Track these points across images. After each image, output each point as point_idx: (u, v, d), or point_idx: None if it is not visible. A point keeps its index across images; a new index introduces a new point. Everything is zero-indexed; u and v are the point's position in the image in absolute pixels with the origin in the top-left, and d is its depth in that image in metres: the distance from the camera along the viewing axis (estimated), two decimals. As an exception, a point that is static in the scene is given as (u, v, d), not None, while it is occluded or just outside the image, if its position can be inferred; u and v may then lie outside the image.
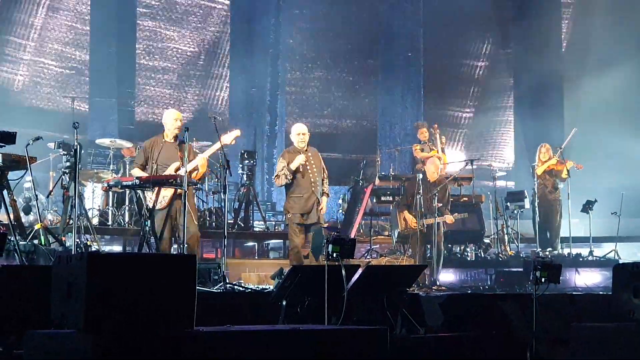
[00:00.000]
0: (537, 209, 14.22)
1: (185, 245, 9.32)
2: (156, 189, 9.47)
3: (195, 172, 9.81)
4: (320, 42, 20.79)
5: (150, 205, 9.58)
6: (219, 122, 10.24)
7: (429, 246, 12.41)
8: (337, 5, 20.70)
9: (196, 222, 9.85)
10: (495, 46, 20.97)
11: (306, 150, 10.77)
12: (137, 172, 9.77)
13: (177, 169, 9.66)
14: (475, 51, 20.99)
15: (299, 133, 10.83)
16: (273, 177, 10.86)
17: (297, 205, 10.60)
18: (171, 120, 9.90)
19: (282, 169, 10.61)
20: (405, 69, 20.58)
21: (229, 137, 9.96)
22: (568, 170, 14.08)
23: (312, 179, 10.66)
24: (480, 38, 21.14)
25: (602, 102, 19.02)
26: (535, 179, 14.23)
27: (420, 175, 12.48)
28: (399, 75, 20.55)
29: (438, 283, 11.64)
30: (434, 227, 11.97)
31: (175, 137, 9.90)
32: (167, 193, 9.58)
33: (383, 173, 15.69)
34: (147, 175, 9.59)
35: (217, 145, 9.91)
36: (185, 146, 9.47)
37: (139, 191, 9.73)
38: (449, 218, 12.33)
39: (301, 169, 10.64)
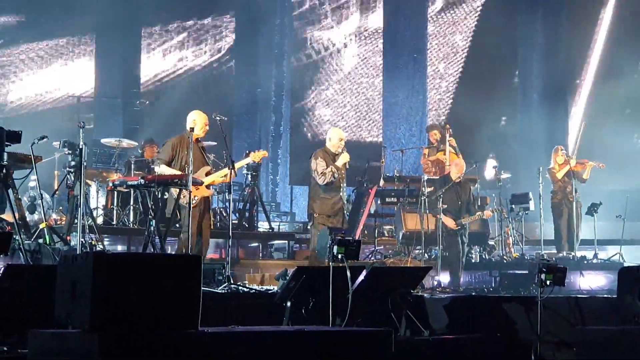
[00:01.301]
0: (551, 211, 14.22)
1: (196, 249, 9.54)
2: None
3: (222, 178, 10.10)
4: (324, 43, 20.78)
5: (183, 202, 9.63)
6: (223, 122, 10.28)
7: (434, 247, 12.47)
8: (341, 7, 20.69)
9: (212, 228, 10.12)
10: (501, 46, 20.93)
11: (337, 155, 10.87)
12: (164, 168, 9.82)
13: (208, 173, 9.87)
14: (480, 51, 20.94)
15: (341, 138, 11.01)
16: (318, 174, 10.83)
17: (324, 206, 10.76)
18: (202, 123, 10.01)
19: (328, 167, 10.70)
20: (410, 70, 20.56)
21: (257, 156, 10.56)
22: (589, 171, 14.11)
23: (341, 184, 10.85)
24: (486, 38, 21.09)
25: (608, 104, 19.00)
26: (540, 182, 14.20)
27: (425, 177, 12.53)
28: (403, 76, 20.53)
29: (442, 285, 11.64)
30: (439, 228, 12.01)
31: (198, 139, 9.96)
32: (198, 193, 9.70)
33: (388, 174, 15.67)
34: (180, 173, 9.63)
35: (247, 160, 10.67)
36: (191, 147, 9.57)
37: (144, 191, 9.74)
38: (487, 213, 12.67)
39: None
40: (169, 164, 9.88)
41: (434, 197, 12.20)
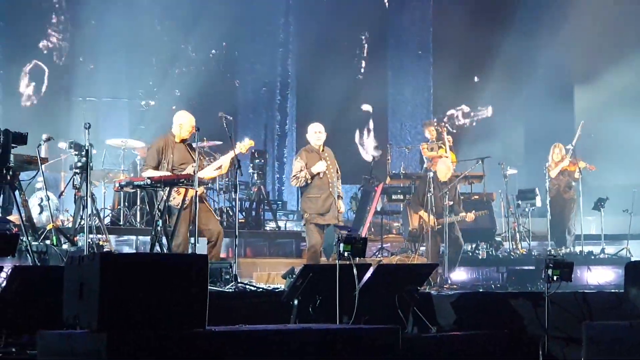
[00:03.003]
0: (549, 207, 14.19)
1: (211, 243, 9.66)
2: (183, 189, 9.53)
3: (217, 171, 10.10)
4: (330, 41, 20.77)
5: (174, 204, 9.62)
6: (228, 121, 10.28)
7: (441, 244, 12.48)
8: (346, 4, 20.68)
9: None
10: (504, 43, 20.91)
11: (322, 150, 10.80)
12: (150, 173, 9.78)
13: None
14: (484, 48, 20.91)
15: (316, 131, 10.85)
16: (290, 177, 10.87)
17: (314, 205, 10.60)
18: (188, 124, 9.95)
19: (301, 171, 10.62)
20: (414, 68, 20.56)
21: (243, 147, 10.21)
22: (580, 171, 14.07)
23: (329, 179, 10.68)
24: (490, 35, 21.07)
25: (613, 98, 18.95)
26: (547, 178, 14.19)
27: (431, 174, 12.52)
28: (408, 73, 20.52)
29: (450, 282, 11.64)
30: (445, 226, 11.99)
31: (184, 139, 9.95)
32: (190, 193, 9.66)
33: (394, 172, 15.68)
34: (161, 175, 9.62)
35: (236, 151, 10.14)
36: (196, 147, 9.57)
37: (150, 191, 9.74)
38: (470, 216, 12.45)
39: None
40: (156, 168, 9.85)
41: (429, 195, 12.15)
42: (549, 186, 14.27)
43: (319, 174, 10.62)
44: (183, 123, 9.97)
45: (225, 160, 10.06)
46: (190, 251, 9.62)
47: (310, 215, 10.61)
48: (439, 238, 12.20)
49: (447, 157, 14.28)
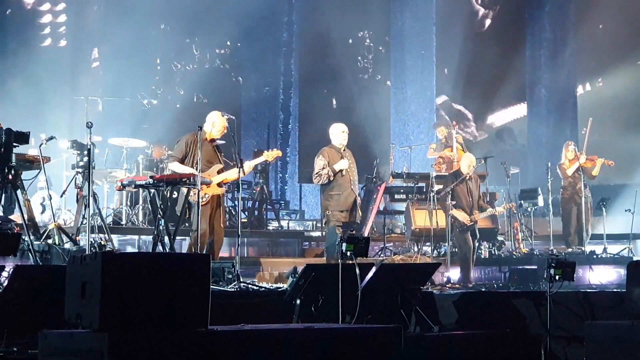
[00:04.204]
0: (570, 206, 14.15)
1: (207, 247, 9.65)
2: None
3: (236, 175, 10.10)
4: (333, 41, 20.78)
5: (194, 200, 9.66)
6: (231, 120, 10.29)
7: (443, 243, 12.48)
8: (349, 3, 20.69)
9: (223, 226, 10.12)
10: (509, 44, 20.93)
11: (344, 150, 10.82)
12: (176, 165, 9.87)
13: (220, 171, 9.94)
14: (489, 48, 20.93)
15: (343, 131, 10.91)
16: (313, 175, 10.84)
17: (337, 203, 10.62)
18: (220, 124, 10.06)
19: (324, 168, 10.64)
20: (418, 67, 20.57)
21: (270, 155, 10.50)
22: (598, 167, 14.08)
23: (351, 178, 10.73)
24: (494, 35, 21.10)
25: (616, 99, 18.96)
26: (550, 178, 14.17)
27: (434, 173, 12.52)
28: (411, 73, 20.53)
29: (452, 281, 11.64)
30: (448, 224, 11.98)
31: (214, 139, 10.05)
32: (209, 191, 9.75)
33: (396, 171, 15.67)
34: (190, 170, 9.69)
35: (261, 159, 10.53)
36: (198, 146, 9.61)
37: (153, 190, 9.74)
38: (499, 209, 12.67)
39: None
40: (181, 162, 9.90)
41: (442, 194, 12.14)
42: (564, 184, 14.25)
43: (341, 171, 10.65)
44: (215, 122, 10.06)
45: (250, 165, 10.22)
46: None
47: (332, 213, 10.62)
48: (467, 235, 12.10)
49: (452, 156, 14.26)
